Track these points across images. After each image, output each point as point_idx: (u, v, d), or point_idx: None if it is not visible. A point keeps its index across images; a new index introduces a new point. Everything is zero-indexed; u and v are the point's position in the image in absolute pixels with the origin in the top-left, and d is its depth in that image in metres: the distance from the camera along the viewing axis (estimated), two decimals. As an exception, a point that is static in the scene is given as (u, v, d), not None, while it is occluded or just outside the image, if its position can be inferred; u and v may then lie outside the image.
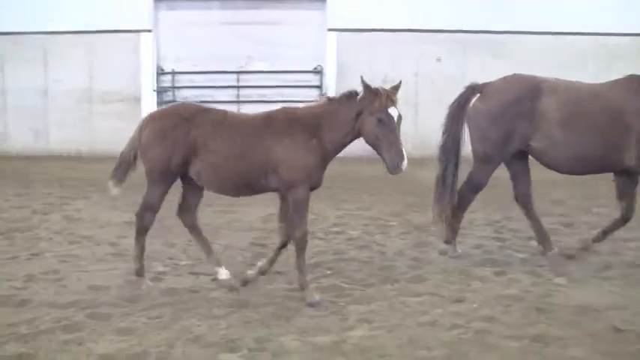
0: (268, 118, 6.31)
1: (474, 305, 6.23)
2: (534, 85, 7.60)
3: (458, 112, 7.85)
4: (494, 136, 7.59)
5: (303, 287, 6.27)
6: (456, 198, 7.86)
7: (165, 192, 6.49)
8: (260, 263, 6.71)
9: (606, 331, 5.67)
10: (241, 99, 16.41)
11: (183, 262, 7.58)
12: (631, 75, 7.71)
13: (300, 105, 6.53)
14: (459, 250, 8.01)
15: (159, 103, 16.52)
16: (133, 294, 6.41)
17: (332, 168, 6.54)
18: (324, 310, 6.03)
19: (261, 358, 5.04)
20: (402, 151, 5.85)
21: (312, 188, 6.29)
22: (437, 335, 5.48)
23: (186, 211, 6.76)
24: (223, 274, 6.67)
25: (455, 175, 7.82)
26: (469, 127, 7.82)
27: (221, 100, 16.31)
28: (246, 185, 6.35)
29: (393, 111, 5.90)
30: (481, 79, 15.95)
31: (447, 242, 7.99)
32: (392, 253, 8.01)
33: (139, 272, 6.62)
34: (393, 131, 5.89)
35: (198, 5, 16.48)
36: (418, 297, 6.43)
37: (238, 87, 16.55)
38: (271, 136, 6.16)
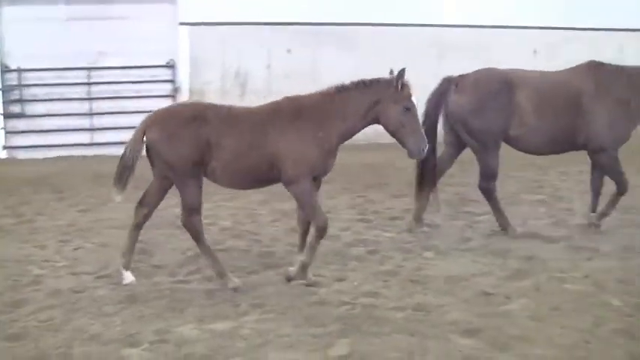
0: (274, 110, 6.37)
1: (355, 283, 6.61)
2: (506, 78, 8.24)
3: (437, 103, 8.33)
4: (482, 127, 8.14)
5: (304, 267, 6.50)
6: (436, 181, 8.51)
7: (200, 186, 6.38)
8: (300, 257, 6.62)
9: (477, 296, 6.23)
10: (93, 96, 16.04)
11: (61, 264, 7.44)
12: (590, 61, 8.46)
13: (306, 93, 6.49)
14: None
15: (5, 103, 15.84)
16: (14, 299, 6.27)
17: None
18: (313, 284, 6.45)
19: (164, 350, 5.15)
20: (424, 136, 6.27)
21: (321, 175, 6.47)
22: (328, 312, 5.80)
23: (146, 206, 6.72)
24: (128, 278, 6.69)
25: (435, 160, 8.37)
26: (451, 121, 8.38)
27: (72, 97, 15.98)
28: (257, 179, 6.45)
29: (414, 99, 6.25)
30: (333, 71, 16.45)
31: (503, 228, 8.47)
32: (267, 240, 8.26)
33: (221, 274, 6.51)
34: (416, 118, 6.26)
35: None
36: (302, 279, 6.70)
37: (89, 84, 16.11)
38: (277, 128, 6.22)
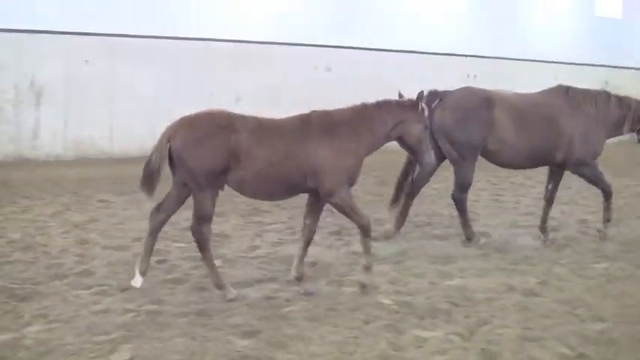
0: (305, 122, 6.60)
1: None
2: (487, 96, 8.98)
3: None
4: (459, 139, 8.84)
5: (368, 268, 6.89)
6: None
7: (215, 197, 6.46)
8: (293, 272, 6.94)
9: (260, 300, 6.57)
10: None
11: None
12: (559, 85, 9.36)
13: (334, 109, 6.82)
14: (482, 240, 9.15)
15: None
16: None
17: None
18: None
19: (-61, 364, 5.08)
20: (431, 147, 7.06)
21: (352, 185, 6.82)
22: (112, 321, 5.92)
23: (163, 213, 6.76)
24: (138, 281, 6.69)
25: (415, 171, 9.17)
26: (435, 132, 8.77)
27: None
28: (288, 188, 6.63)
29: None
30: (130, 83, 16.41)
31: (469, 239, 9.11)
32: (56, 252, 8.17)
33: (219, 286, 6.62)
34: (428, 133, 6.99)
35: None
36: (88, 289, 6.79)
37: None
38: (311, 139, 6.49)
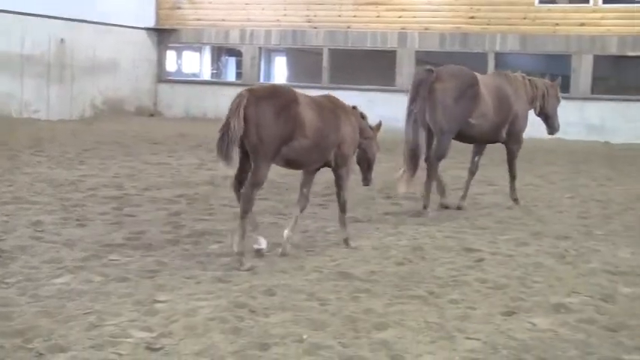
0: (331, 101, 7.69)
1: None
2: (473, 74, 9.98)
3: (421, 90, 9.54)
4: (454, 112, 9.60)
5: (347, 240, 7.95)
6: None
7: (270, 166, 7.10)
8: (287, 232, 7.57)
9: None
10: None
11: None
12: (499, 70, 11.07)
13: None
14: (431, 213, 9.91)
15: None
16: None
17: None
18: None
19: None
20: None
21: None
22: None
23: (243, 183, 7.06)
24: (263, 243, 7.38)
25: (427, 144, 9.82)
26: (432, 105, 9.59)
27: None
28: (323, 159, 7.49)
29: None
30: None
31: (425, 207, 9.85)
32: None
33: (240, 253, 6.93)
34: None
35: None
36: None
37: None
38: (339, 116, 7.51)
